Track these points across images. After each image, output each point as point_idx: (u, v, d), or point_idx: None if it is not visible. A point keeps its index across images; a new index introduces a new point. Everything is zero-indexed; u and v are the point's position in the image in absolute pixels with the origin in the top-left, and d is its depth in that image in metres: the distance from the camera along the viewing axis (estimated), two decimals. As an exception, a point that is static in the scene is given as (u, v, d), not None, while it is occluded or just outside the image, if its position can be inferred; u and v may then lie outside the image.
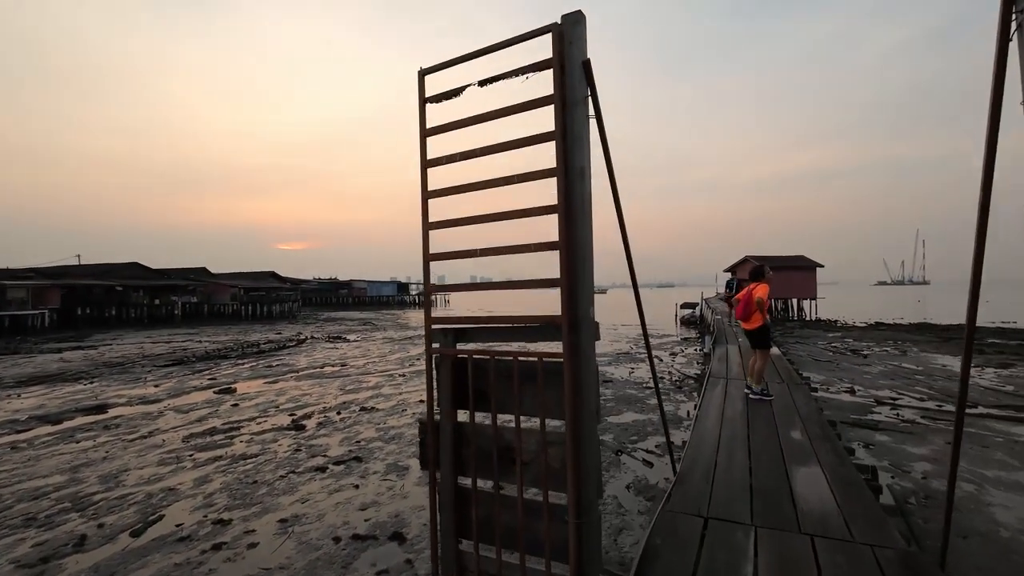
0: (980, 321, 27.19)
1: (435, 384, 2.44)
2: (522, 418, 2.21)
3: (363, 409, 9.31)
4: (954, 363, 13.74)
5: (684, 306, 33.47)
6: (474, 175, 2.11)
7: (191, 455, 6.74)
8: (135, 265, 40.48)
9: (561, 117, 2.01)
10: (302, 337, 24.95)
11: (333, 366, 14.91)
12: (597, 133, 2.19)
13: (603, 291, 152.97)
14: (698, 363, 13.91)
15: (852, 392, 10.23)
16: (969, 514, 4.69)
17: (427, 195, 2.34)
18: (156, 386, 11.95)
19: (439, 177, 2.32)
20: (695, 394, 9.85)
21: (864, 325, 26.62)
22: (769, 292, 6.18)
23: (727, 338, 12.33)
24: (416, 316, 45.41)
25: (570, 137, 2.03)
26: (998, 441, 6.82)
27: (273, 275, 52.66)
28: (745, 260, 35.87)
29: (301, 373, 13.64)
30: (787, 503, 3.22)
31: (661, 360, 15.17)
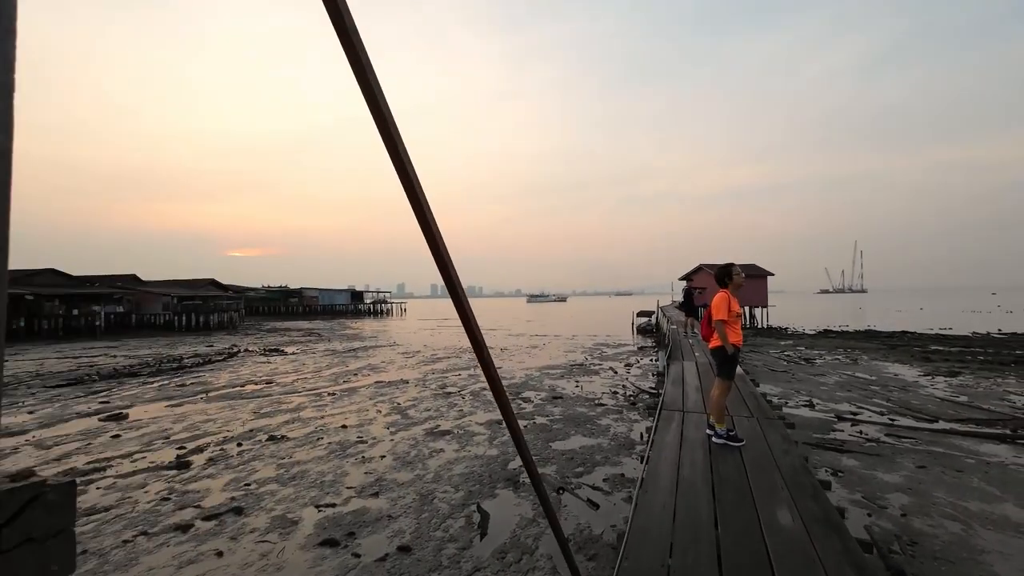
0: (918, 328, 28.19)
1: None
2: None
3: (271, 438, 7.94)
4: (905, 372, 13.60)
5: (640, 314, 33.24)
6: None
7: (19, 511, 5.26)
8: (50, 272, 36.68)
9: None
10: (235, 350, 22.88)
11: (256, 384, 13.31)
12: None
13: (563, 299, 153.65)
14: (653, 375, 13.22)
15: (811, 406, 9.68)
16: (963, 565, 3.94)
17: None
18: (31, 413, 10.08)
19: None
20: (650, 412, 9.02)
21: (814, 332, 26.98)
22: (728, 301, 4.57)
23: (683, 353, 11.30)
24: (368, 326, 43.42)
25: None
26: (970, 464, 6.25)
27: (213, 283, 49.31)
28: (699, 268, 36.14)
29: (215, 393, 12.01)
30: None
31: (616, 372, 14.42)
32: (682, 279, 37.84)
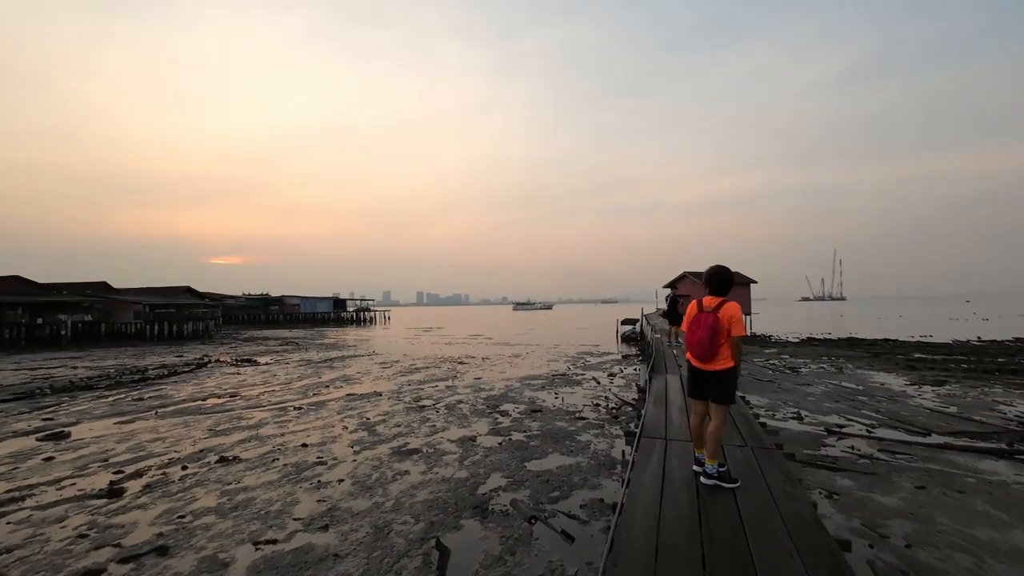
0: (899, 335, 28.24)
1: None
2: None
3: (222, 460, 7.26)
4: (891, 381, 13.35)
5: (625, 322, 32.93)
6: None
7: (-95, 554, 4.54)
8: (15, 279, 35.18)
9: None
10: (205, 360, 21.92)
11: (220, 397, 12.54)
12: None
13: (549, 307, 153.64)
14: (638, 387, 12.76)
15: (799, 418, 9.29)
16: (981, 609, 3.48)
17: None
18: (-38, 432, 9.24)
19: None
20: (633, 425, 8.51)
21: (797, 340, 26.87)
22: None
23: (666, 365, 10.44)
24: (349, 334, 42.43)
25: None
26: (970, 483, 5.86)
27: (189, 290, 47.88)
28: (683, 276, 36.01)
29: (172, 408, 11.22)
30: None
31: (599, 383, 13.93)
32: (667, 287, 37.63)
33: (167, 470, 6.87)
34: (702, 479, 3.78)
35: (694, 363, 3.90)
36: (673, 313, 14.34)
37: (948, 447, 7.34)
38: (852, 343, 24.25)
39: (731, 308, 3.69)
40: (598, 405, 10.86)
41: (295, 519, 5.17)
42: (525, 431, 8.73)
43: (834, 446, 7.51)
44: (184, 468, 6.93)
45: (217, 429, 9.19)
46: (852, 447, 7.43)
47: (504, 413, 10.24)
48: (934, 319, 47.82)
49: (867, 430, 8.39)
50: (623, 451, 7.27)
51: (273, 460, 7.24)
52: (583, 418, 9.66)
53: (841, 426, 8.67)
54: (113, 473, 6.75)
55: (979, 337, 26.27)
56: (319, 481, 6.32)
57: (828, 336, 29.06)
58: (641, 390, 8.47)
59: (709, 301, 3.80)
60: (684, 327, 3.99)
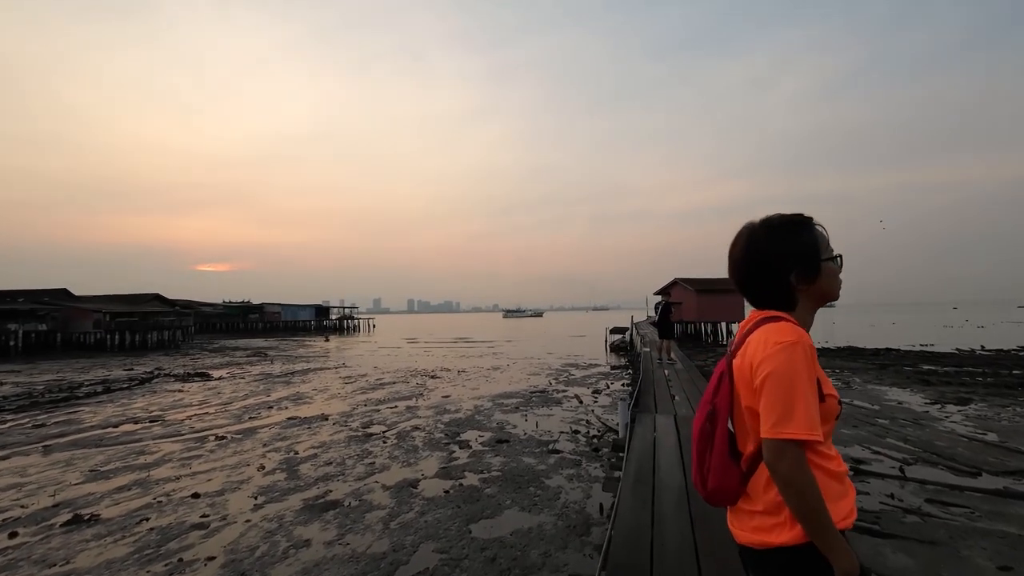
0: (896, 344, 26.95)
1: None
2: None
3: (73, 520, 5.50)
4: (908, 398, 11.86)
5: (614, 331, 31.41)
6: None
7: None
8: (-37, 285, 32.89)
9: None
10: (154, 374, 19.99)
11: (137, 423, 10.69)
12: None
13: (539, 314, 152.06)
14: (613, 441, 11.12)
15: (816, 451, 7.71)
16: None
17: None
18: None
19: None
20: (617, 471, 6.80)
21: (794, 350, 25.42)
22: (809, 364, 1.13)
23: (655, 397, 7.73)
24: (327, 344, 40.40)
25: None
26: (1071, 559, 4.28)
27: (158, 297, 45.61)
28: (675, 283, 34.59)
29: (70, 439, 9.39)
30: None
31: (581, 402, 12.30)
32: (657, 294, 36.12)
33: (-13, 539, 5.10)
34: None
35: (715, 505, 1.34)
36: (664, 323, 12.71)
37: (1011, 494, 5.78)
38: (853, 353, 22.86)
39: (764, 347, 1.16)
40: (577, 432, 9.21)
41: (102, 639, 3.45)
42: (482, 471, 7.04)
43: (868, 493, 5.93)
44: (12, 536, 5.16)
45: (102, 470, 7.40)
46: (892, 495, 5.85)
47: (464, 444, 8.55)
48: (928, 326, 46.84)
49: (901, 468, 6.83)
50: (601, 504, 5.62)
51: (140, 521, 5.48)
52: (557, 451, 8.00)
53: (867, 463, 7.12)
54: (-91, 545, 4.97)
55: (983, 346, 25.01)
56: (180, 560, 4.58)
57: (826, 345, 27.68)
58: (617, 446, 6.09)
59: (747, 330, 1.29)
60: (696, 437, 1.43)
